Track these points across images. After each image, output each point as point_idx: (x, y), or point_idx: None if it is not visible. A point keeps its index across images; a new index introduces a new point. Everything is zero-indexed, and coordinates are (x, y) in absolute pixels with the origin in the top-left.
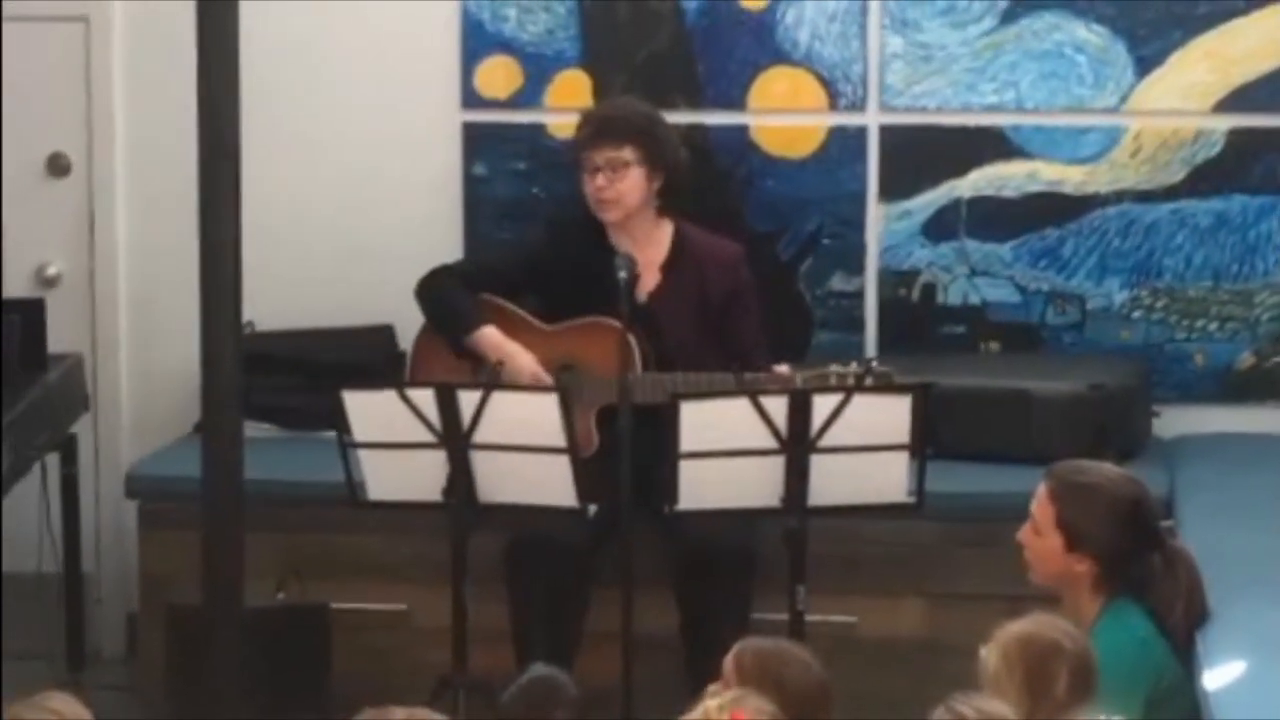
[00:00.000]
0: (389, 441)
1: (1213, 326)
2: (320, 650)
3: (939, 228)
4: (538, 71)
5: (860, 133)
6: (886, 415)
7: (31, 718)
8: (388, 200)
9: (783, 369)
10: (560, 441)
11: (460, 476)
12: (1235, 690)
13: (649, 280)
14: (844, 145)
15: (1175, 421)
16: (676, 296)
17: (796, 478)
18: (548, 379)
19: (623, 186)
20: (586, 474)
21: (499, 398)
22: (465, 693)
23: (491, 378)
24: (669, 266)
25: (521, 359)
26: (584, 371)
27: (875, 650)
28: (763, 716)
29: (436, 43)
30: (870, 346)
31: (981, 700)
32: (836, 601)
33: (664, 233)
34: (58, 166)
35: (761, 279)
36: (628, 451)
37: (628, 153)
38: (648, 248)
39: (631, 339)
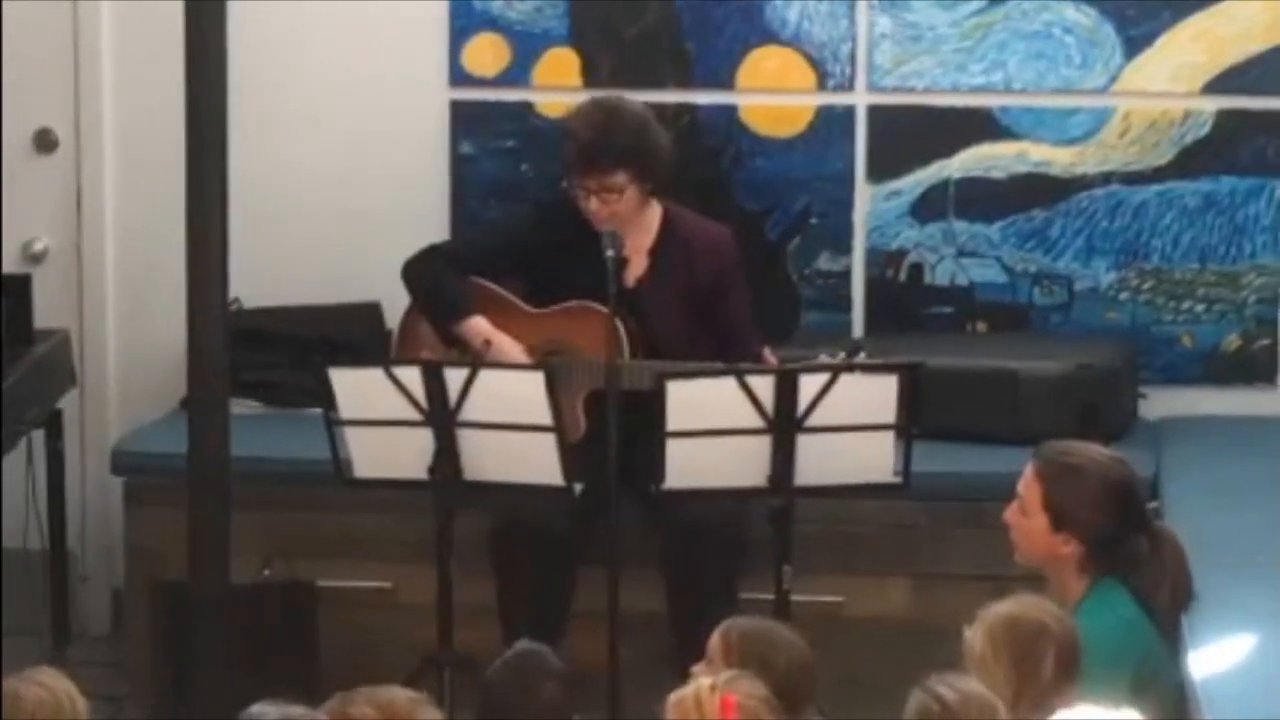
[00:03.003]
0: (375, 419)
1: (1200, 308)
2: (306, 627)
3: (926, 208)
4: (526, 49)
5: (848, 112)
6: (873, 395)
7: (22, 692)
8: (375, 178)
9: (770, 358)
10: (547, 420)
11: (446, 454)
12: (1220, 671)
13: (637, 266)
14: (832, 125)
15: (1162, 403)
16: (665, 282)
17: (783, 457)
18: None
19: (618, 207)
20: (573, 456)
21: (485, 376)
22: (451, 670)
23: (478, 356)
24: (657, 251)
25: (511, 352)
26: (571, 356)
27: (861, 630)
28: (754, 700)
29: (424, 20)
30: (857, 327)
31: (959, 680)
32: (822, 581)
33: (652, 218)
34: (45, 142)
35: (749, 259)
36: (615, 434)
37: (620, 177)
38: (636, 234)
39: (619, 324)
